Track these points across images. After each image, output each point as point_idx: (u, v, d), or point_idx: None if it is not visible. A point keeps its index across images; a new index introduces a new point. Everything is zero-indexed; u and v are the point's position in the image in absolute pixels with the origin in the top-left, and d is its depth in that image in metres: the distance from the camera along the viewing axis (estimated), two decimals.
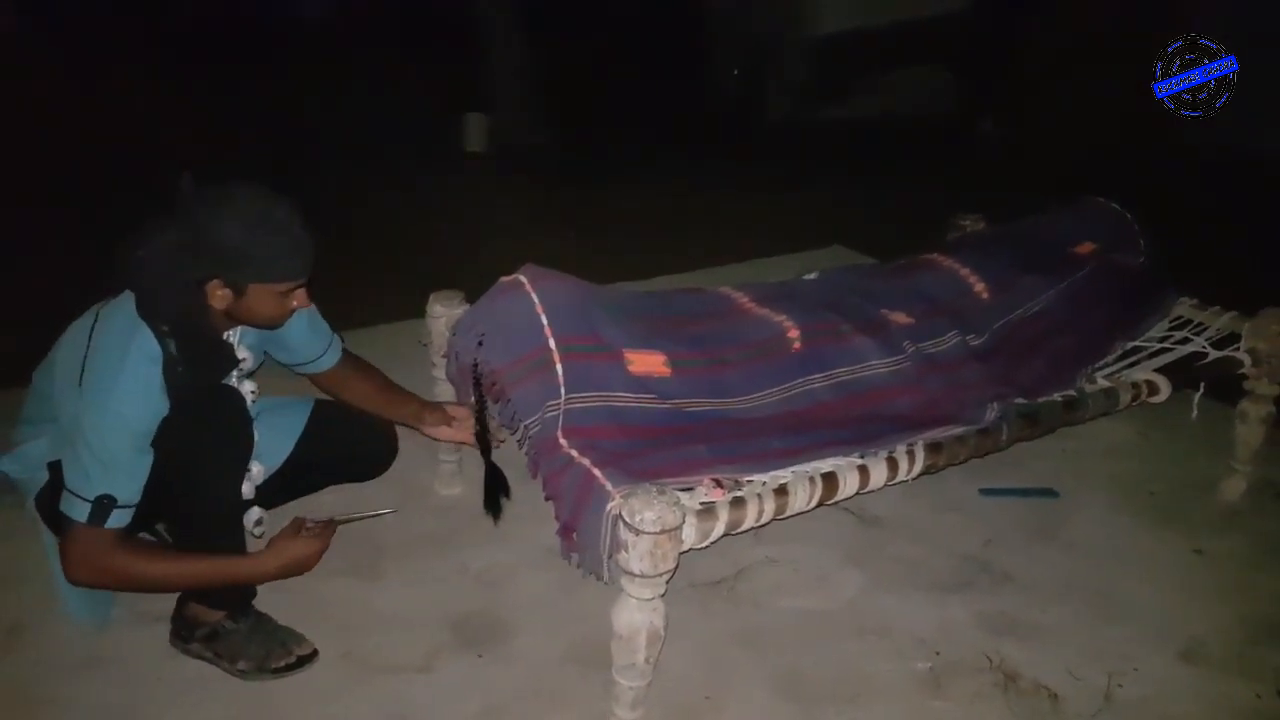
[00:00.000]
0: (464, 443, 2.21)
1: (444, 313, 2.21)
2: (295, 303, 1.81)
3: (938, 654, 2.05)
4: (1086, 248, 2.70)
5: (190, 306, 1.72)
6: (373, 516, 2.16)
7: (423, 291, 2.28)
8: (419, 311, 2.29)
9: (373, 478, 2.35)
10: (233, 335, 1.89)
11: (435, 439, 2.28)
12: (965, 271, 2.49)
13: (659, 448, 1.79)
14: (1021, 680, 1.98)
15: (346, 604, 2.09)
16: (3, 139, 5.43)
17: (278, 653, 1.89)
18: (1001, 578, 2.30)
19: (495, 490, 2.02)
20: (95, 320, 1.75)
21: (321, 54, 8.91)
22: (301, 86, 7.54)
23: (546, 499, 1.78)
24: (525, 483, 1.96)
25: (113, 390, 1.66)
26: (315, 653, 1.93)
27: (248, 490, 1.93)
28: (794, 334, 2.12)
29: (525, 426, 1.84)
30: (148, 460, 1.72)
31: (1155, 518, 2.56)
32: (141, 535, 1.93)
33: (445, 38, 7.39)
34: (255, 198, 1.69)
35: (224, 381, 1.88)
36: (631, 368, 1.91)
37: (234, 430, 1.84)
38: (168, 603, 1.95)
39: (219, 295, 1.71)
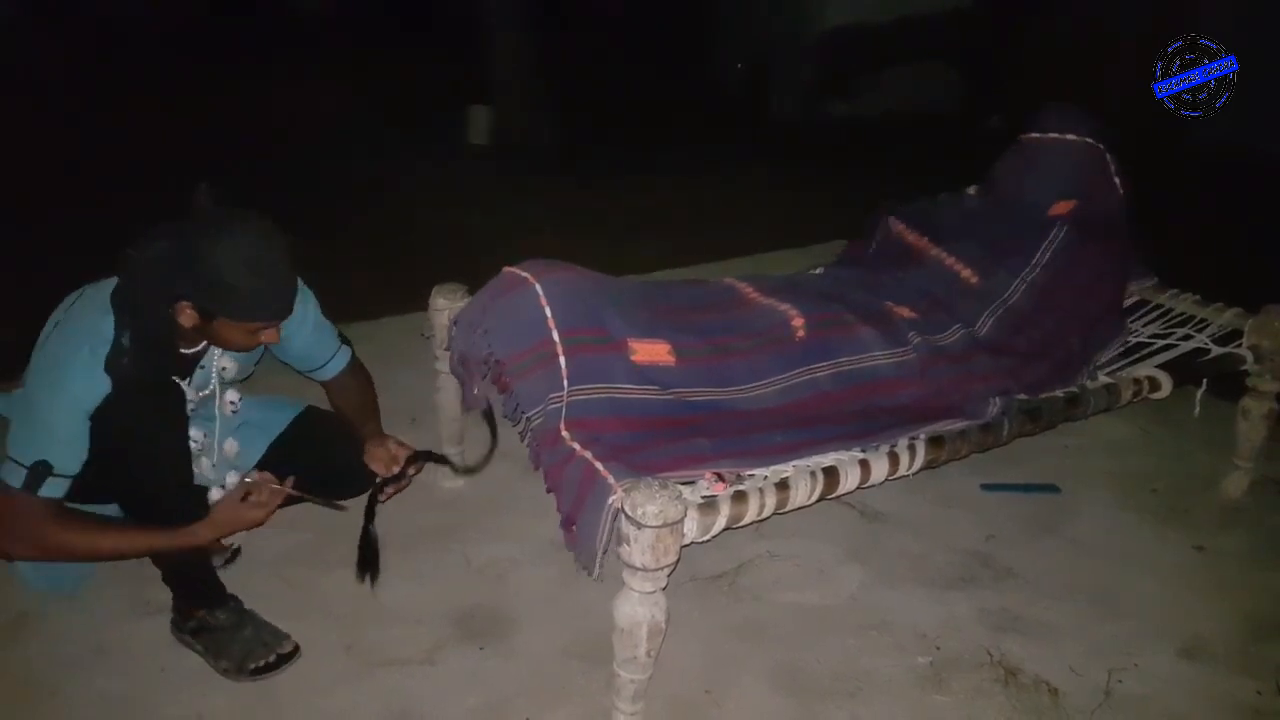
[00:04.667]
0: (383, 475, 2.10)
1: (446, 306, 2.22)
2: (264, 338, 1.83)
3: (938, 649, 2.05)
4: (1063, 207, 2.60)
5: (158, 315, 1.74)
6: (323, 504, 2.04)
7: (426, 284, 2.29)
8: (422, 304, 2.30)
9: (343, 498, 2.18)
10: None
11: (369, 464, 2.14)
12: (950, 260, 2.48)
13: (661, 440, 1.79)
14: (1022, 675, 1.98)
15: (349, 597, 2.09)
16: (7, 136, 5.43)
17: (258, 652, 1.89)
18: (1003, 573, 2.30)
19: (368, 556, 2.00)
20: (80, 295, 1.80)
21: (326, 47, 8.92)
22: (306, 79, 7.54)
23: (548, 491, 1.78)
24: (528, 477, 1.97)
25: (60, 363, 1.70)
26: (296, 649, 1.92)
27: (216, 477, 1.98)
28: (798, 323, 2.12)
29: (527, 418, 1.85)
30: (86, 435, 1.73)
31: (1157, 514, 2.56)
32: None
33: (450, 30, 7.39)
34: (251, 236, 1.70)
35: (181, 382, 1.90)
36: (635, 357, 1.91)
37: (166, 414, 1.84)
38: (170, 594, 1.96)
39: (187, 315, 1.73)
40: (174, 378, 1.88)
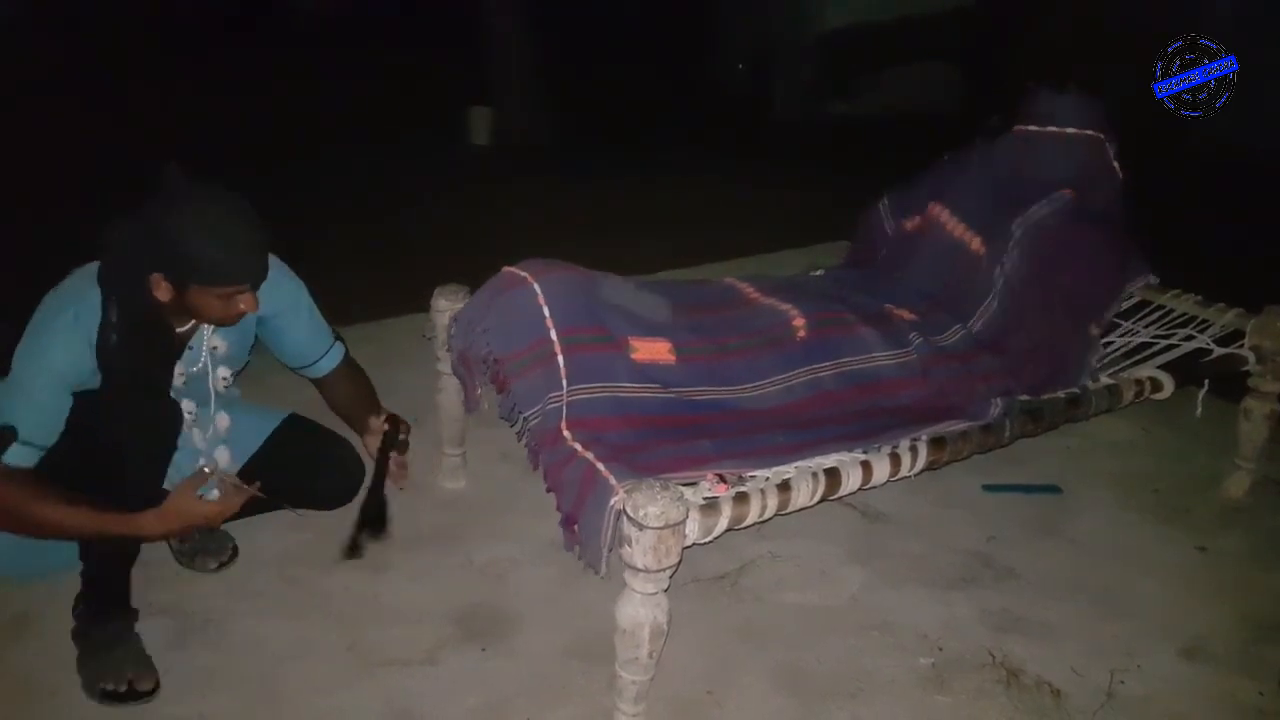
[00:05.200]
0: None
1: (448, 307, 2.21)
2: (242, 305, 1.82)
3: (940, 650, 2.05)
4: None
5: (136, 289, 1.75)
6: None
7: (426, 284, 2.29)
8: (422, 305, 2.29)
9: (327, 509, 2.20)
10: (207, 325, 1.93)
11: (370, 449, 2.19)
12: (961, 230, 2.46)
13: (663, 440, 1.79)
14: (1024, 676, 1.98)
15: (351, 597, 2.09)
16: (7, 136, 5.44)
17: (113, 676, 1.79)
18: (1004, 573, 2.30)
19: (373, 520, 2.00)
20: (69, 276, 1.83)
21: (328, 47, 8.92)
22: (308, 79, 7.55)
23: (547, 490, 1.78)
24: (529, 477, 1.96)
25: (45, 332, 1.72)
26: (154, 692, 1.80)
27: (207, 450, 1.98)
28: (799, 323, 2.13)
29: (525, 418, 1.85)
30: (61, 407, 1.73)
31: (1158, 514, 2.56)
32: None
33: (450, 30, 7.40)
34: (215, 204, 1.72)
35: (174, 364, 1.91)
36: (636, 355, 1.91)
37: (158, 429, 1.84)
38: (172, 594, 1.96)
39: (162, 287, 1.75)
40: (168, 378, 1.88)
